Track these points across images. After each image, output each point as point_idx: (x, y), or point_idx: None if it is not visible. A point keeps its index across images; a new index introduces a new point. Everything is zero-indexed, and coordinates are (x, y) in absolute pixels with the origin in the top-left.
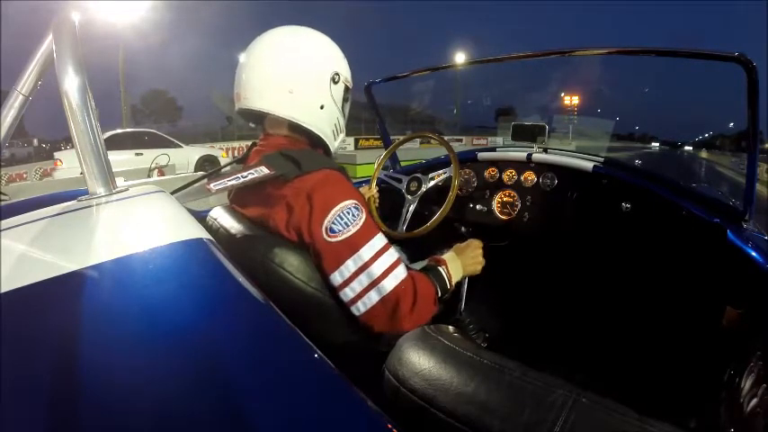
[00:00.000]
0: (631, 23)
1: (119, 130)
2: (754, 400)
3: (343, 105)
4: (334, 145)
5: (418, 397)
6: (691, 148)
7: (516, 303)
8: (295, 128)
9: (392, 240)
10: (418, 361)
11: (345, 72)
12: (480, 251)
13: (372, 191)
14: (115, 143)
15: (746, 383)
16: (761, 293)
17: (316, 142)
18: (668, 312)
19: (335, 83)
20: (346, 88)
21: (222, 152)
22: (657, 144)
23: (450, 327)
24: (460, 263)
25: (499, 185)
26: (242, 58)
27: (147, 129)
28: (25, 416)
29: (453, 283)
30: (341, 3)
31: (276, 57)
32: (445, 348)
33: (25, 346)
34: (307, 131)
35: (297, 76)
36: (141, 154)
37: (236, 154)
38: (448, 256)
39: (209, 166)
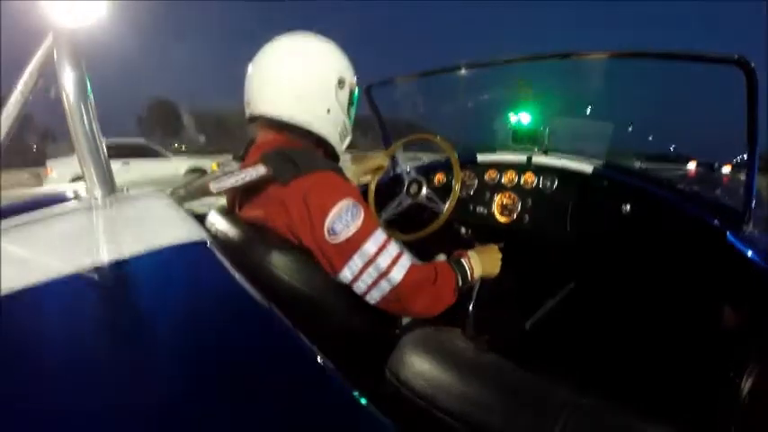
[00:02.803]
0: (628, 27)
1: (108, 140)
2: (754, 401)
3: (349, 109)
4: (341, 148)
5: (419, 398)
6: (728, 169)
7: (516, 305)
8: (295, 128)
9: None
10: (419, 362)
11: (351, 77)
12: (499, 256)
13: (385, 161)
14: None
15: (746, 384)
16: (760, 294)
17: (317, 142)
18: (668, 313)
19: (341, 88)
20: (352, 92)
21: (214, 164)
22: (694, 164)
23: (451, 329)
24: (480, 261)
25: (499, 187)
26: (251, 65)
27: (137, 139)
28: (23, 417)
29: (475, 277)
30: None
31: (283, 63)
32: (446, 350)
33: (24, 348)
34: (311, 133)
35: (303, 82)
36: (128, 163)
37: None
38: (470, 252)
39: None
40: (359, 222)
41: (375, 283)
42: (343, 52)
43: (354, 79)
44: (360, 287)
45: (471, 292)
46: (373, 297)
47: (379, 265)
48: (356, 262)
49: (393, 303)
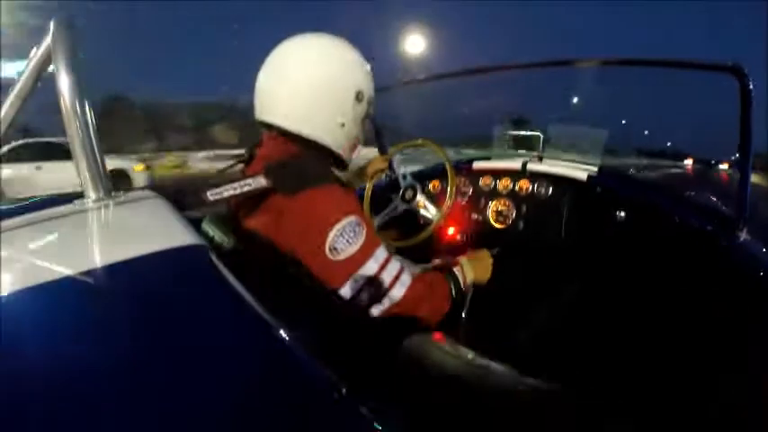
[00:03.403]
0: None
1: (20, 141)
2: (752, 404)
3: (363, 122)
4: (350, 158)
5: (415, 406)
6: (726, 166)
7: (511, 311)
8: (305, 140)
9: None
10: (415, 371)
11: (369, 89)
12: (490, 261)
13: (384, 164)
14: (16, 154)
15: (744, 387)
16: (754, 300)
17: (326, 152)
18: (664, 319)
19: (359, 101)
20: (369, 105)
21: (138, 165)
22: (691, 161)
23: (448, 336)
24: (472, 268)
25: (494, 194)
26: (264, 65)
27: (55, 138)
28: (18, 419)
29: (467, 284)
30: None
31: (299, 73)
32: (441, 358)
33: (19, 351)
34: (320, 145)
35: (320, 95)
36: (40, 168)
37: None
38: (461, 259)
39: (117, 182)
40: (361, 241)
41: (375, 299)
42: (363, 59)
43: (372, 90)
44: (359, 303)
45: (464, 298)
46: (372, 312)
47: (379, 284)
48: (357, 280)
49: (391, 319)
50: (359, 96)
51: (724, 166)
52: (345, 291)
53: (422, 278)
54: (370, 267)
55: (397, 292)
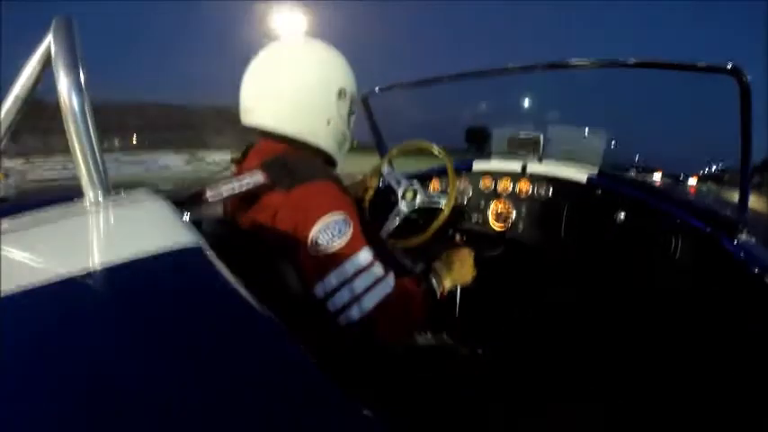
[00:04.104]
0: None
1: None
2: (751, 403)
3: (348, 119)
4: (340, 156)
5: (408, 402)
6: (695, 180)
7: (510, 313)
8: (294, 140)
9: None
10: (408, 368)
11: (351, 86)
12: (471, 261)
13: (373, 181)
14: None
15: (744, 387)
16: (755, 299)
17: (316, 151)
18: (665, 320)
19: (341, 98)
20: (352, 102)
21: None
22: (660, 174)
23: (437, 336)
24: (448, 273)
25: (494, 195)
26: (248, 71)
27: None
28: (16, 419)
29: (444, 292)
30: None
31: (283, 74)
32: (434, 357)
33: (16, 351)
34: (309, 143)
35: (304, 95)
36: None
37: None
38: (438, 264)
39: None
40: (344, 239)
41: (345, 307)
42: (344, 58)
43: (355, 88)
44: (328, 308)
45: (454, 298)
46: (341, 322)
47: (353, 288)
48: (331, 281)
49: (358, 331)
50: (341, 94)
51: (692, 181)
52: (318, 289)
53: (400, 293)
54: (347, 268)
55: (369, 302)
